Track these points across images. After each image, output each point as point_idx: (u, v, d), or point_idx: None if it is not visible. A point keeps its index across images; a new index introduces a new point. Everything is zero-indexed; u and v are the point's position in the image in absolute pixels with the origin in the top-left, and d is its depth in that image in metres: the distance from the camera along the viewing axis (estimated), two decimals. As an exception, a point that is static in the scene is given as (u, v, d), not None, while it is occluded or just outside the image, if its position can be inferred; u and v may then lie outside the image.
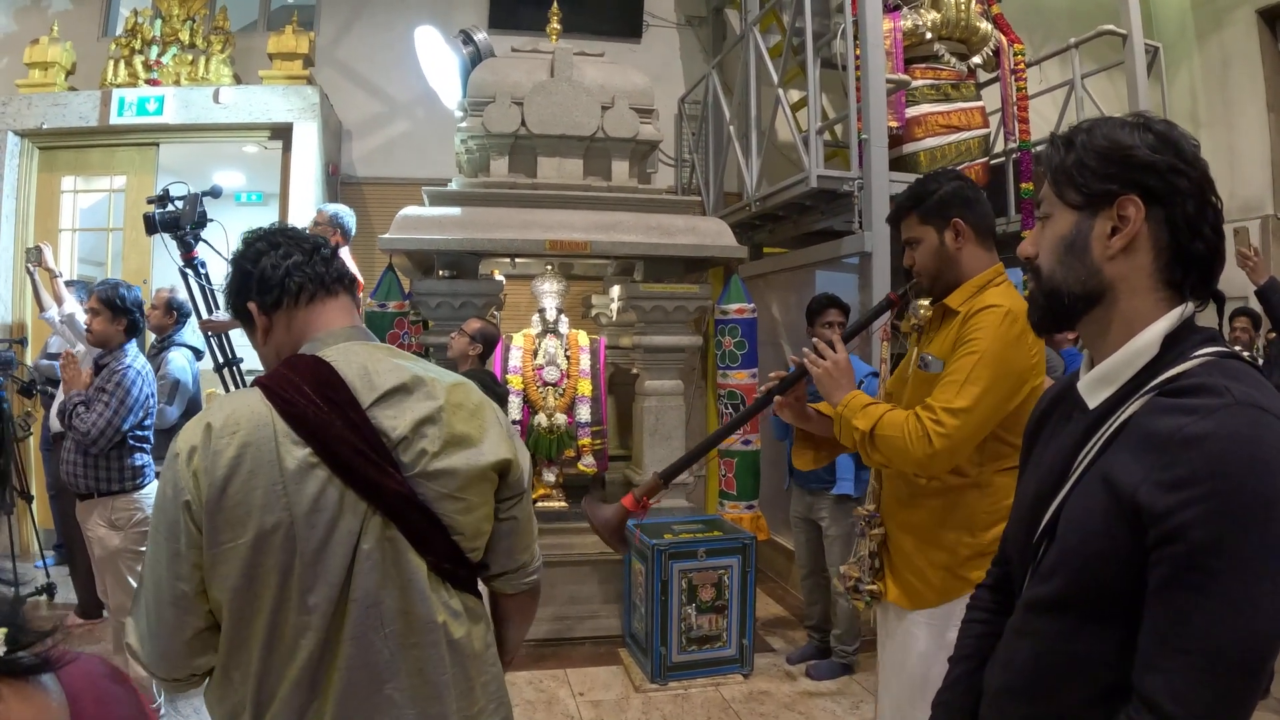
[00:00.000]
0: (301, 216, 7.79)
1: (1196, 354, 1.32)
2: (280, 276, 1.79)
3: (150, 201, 5.64)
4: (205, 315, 5.76)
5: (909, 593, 2.67)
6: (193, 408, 5.77)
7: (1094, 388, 1.44)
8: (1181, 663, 1.15)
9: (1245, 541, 1.13)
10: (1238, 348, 1.59)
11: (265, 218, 10.59)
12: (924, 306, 2.81)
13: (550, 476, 6.00)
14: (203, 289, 5.75)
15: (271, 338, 1.83)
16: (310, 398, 1.63)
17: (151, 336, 5.78)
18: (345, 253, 5.96)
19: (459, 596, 1.74)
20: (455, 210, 5.66)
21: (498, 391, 5.20)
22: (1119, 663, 1.25)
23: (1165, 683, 1.16)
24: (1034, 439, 1.62)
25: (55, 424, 5.82)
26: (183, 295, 5.80)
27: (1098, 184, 1.40)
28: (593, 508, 2.85)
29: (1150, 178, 1.36)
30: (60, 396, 4.68)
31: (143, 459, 4.59)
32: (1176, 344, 1.35)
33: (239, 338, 6.20)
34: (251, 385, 1.72)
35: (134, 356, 4.53)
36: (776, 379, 2.79)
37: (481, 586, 1.88)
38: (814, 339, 2.80)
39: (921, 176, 2.80)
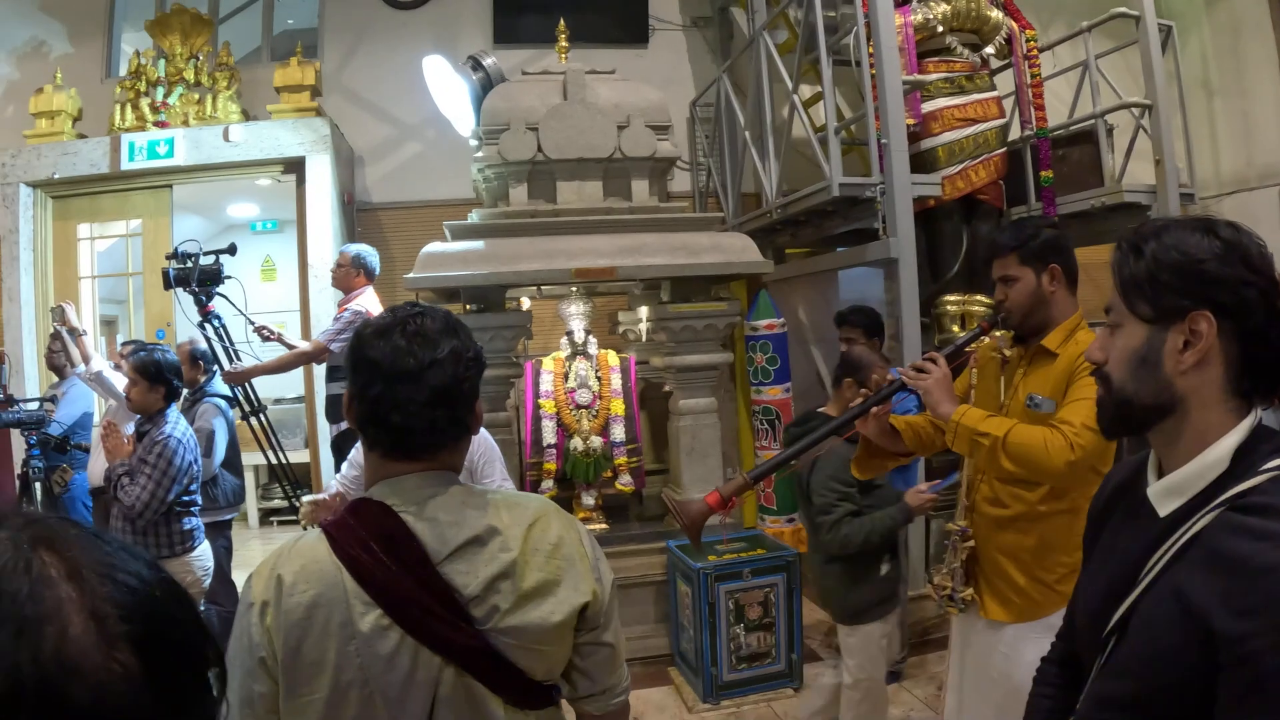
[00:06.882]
0: (319, 246, 7.82)
1: (1266, 467, 1.34)
2: (387, 418, 1.68)
3: (168, 257, 5.68)
4: (227, 367, 5.78)
5: (1009, 608, 2.87)
6: (231, 456, 5.82)
7: (1164, 497, 1.46)
8: None
9: None
10: None
11: (281, 245, 10.69)
12: (993, 342, 3.08)
13: (589, 500, 6.00)
14: (222, 342, 5.79)
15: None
16: (378, 555, 1.59)
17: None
18: (370, 291, 5.98)
19: (536, 715, 1.73)
20: (478, 244, 5.62)
21: None
22: None
23: None
24: (1100, 526, 1.68)
25: (94, 478, 5.84)
26: (204, 345, 5.84)
27: (1169, 299, 1.43)
28: (677, 502, 2.99)
29: (1221, 292, 1.39)
30: (97, 455, 4.69)
31: (191, 522, 4.62)
32: (1246, 455, 1.38)
33: (262, 386, 6.24)
34: (320, 531, 1.68)
35: (174, 424, 4.53)
36: (872, 392, 2.97)
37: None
38: (921, 358, 2.93)
39: (1020, 220, 2.99)
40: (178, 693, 0.76)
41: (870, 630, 4.02)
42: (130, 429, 4.86)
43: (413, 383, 1.65)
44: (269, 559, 1.67)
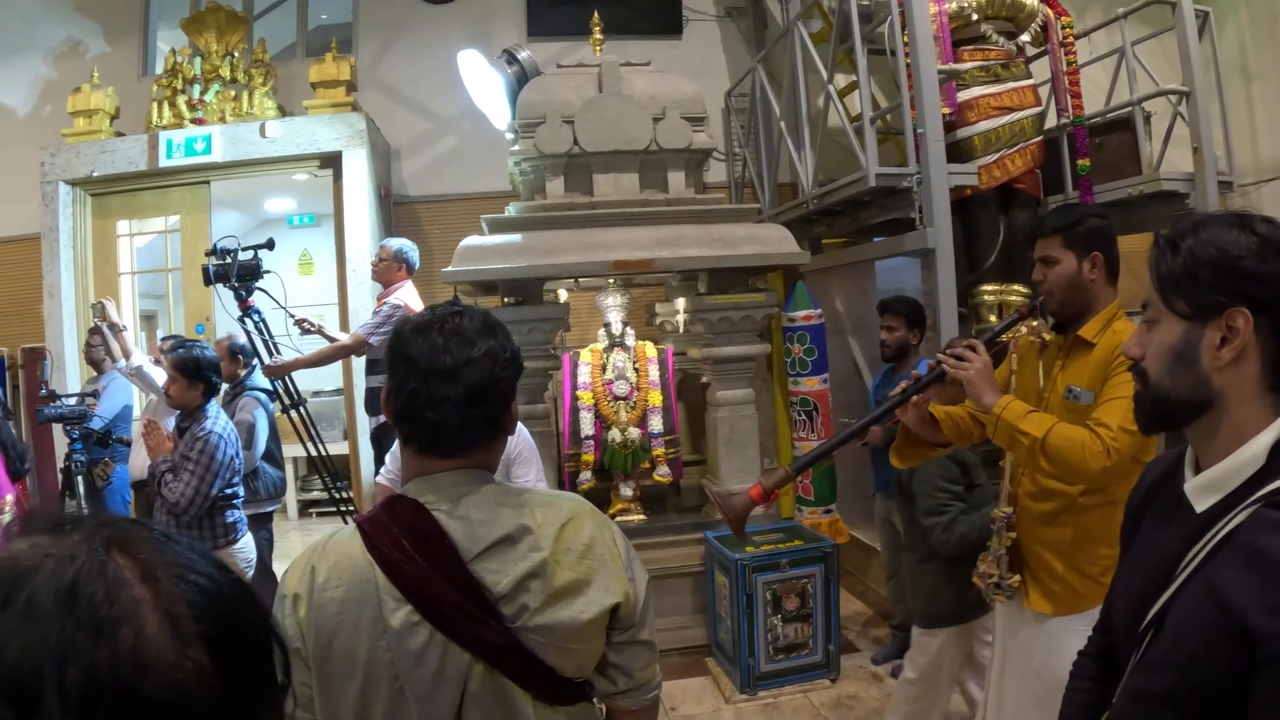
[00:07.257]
0: (356, 240, 7.86)
1: None
2: (422, 414, 1.70)
3: (207, 254, 5.72)
4: (267, 361, 5.82)
5: (1053, 600, 2.87)
6: (272, 449, 5.87)
7: (1201, 493, 1.46)
8: None
9: None
10: None
11: (318, 239, 10.75)
12: (1031, 328, 3.06)
13: (628, 491, 6.01)
14: (261, 336, 5.83)
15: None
16: (409, 553, 1.62)
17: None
18: (409, 285, 6.01)
19: (566, 711, 1.74)
20: (516, 237, 5.64)
21: None
22: None
23: None
24: (1137, 521, 1.68)
25: (136, 472, 5.91)
26: (242, 339, 5.89)
27: (1206, 295, 1.43)
28: (720, 496, 2.95)
29: (1258, 289, 1.39)
30: (138, 449, 4.73)
31: (234, 515, 4.66)
32: None
33: (301, 379, 6.27)
34: (354, 525, 1.72)
35: (214, 419, 4.57)
36: (912, 380, 2.89)
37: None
38: (958, 344, 2.86)
39: (1069, 204, 2.93)
40: (247, 688, 0.78)
41: (949, 634, 3.96)
42: (171, 424, 4.91)
43: (448, 380, 1.67)
44: (305, 553, 1.71)
